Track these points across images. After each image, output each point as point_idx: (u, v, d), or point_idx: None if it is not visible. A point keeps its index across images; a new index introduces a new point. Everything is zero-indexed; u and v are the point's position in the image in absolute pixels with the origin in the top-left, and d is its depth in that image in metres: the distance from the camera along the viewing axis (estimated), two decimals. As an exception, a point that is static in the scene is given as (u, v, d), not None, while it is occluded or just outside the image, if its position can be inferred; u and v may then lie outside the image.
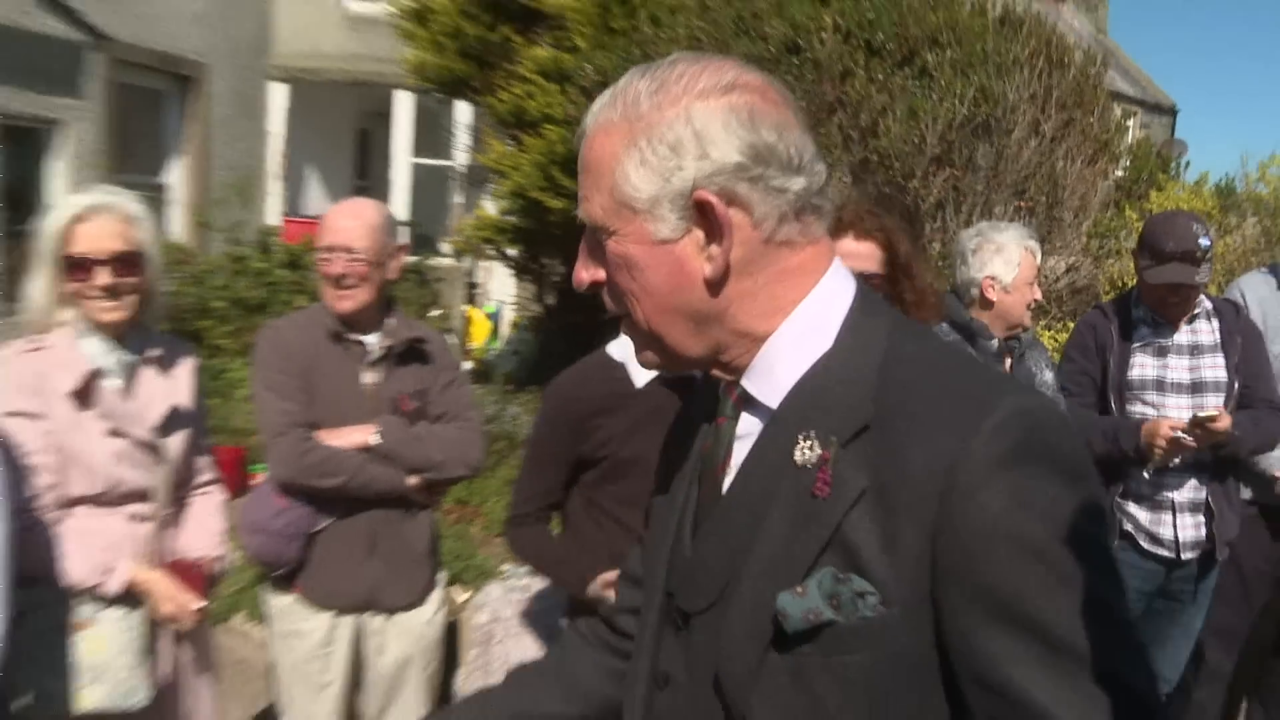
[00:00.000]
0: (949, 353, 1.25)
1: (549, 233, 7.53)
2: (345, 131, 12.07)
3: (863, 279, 1.30)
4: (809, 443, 1.20)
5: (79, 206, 2.65)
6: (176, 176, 10.51)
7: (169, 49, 10.12)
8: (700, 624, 1.29)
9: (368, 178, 13.18)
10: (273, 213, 11.47)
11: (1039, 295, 3.22)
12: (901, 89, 5.27)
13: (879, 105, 5.24)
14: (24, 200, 8.56)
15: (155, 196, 9.99)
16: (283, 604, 2.95)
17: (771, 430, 1.25)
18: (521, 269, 9.04)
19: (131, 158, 9.93)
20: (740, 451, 1.27)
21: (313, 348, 2.87)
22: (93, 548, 2.64)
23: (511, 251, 8.53)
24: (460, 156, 10.88)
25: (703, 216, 1.18)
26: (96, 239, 2.63)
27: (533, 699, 1.63)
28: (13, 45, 7.44)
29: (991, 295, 3.15)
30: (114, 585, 2.63)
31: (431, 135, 11.55)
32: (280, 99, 11.65)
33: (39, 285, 2.67)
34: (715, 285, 1.21)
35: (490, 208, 9.31)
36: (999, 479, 1.11)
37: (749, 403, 1.28)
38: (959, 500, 1.12)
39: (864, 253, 2.68)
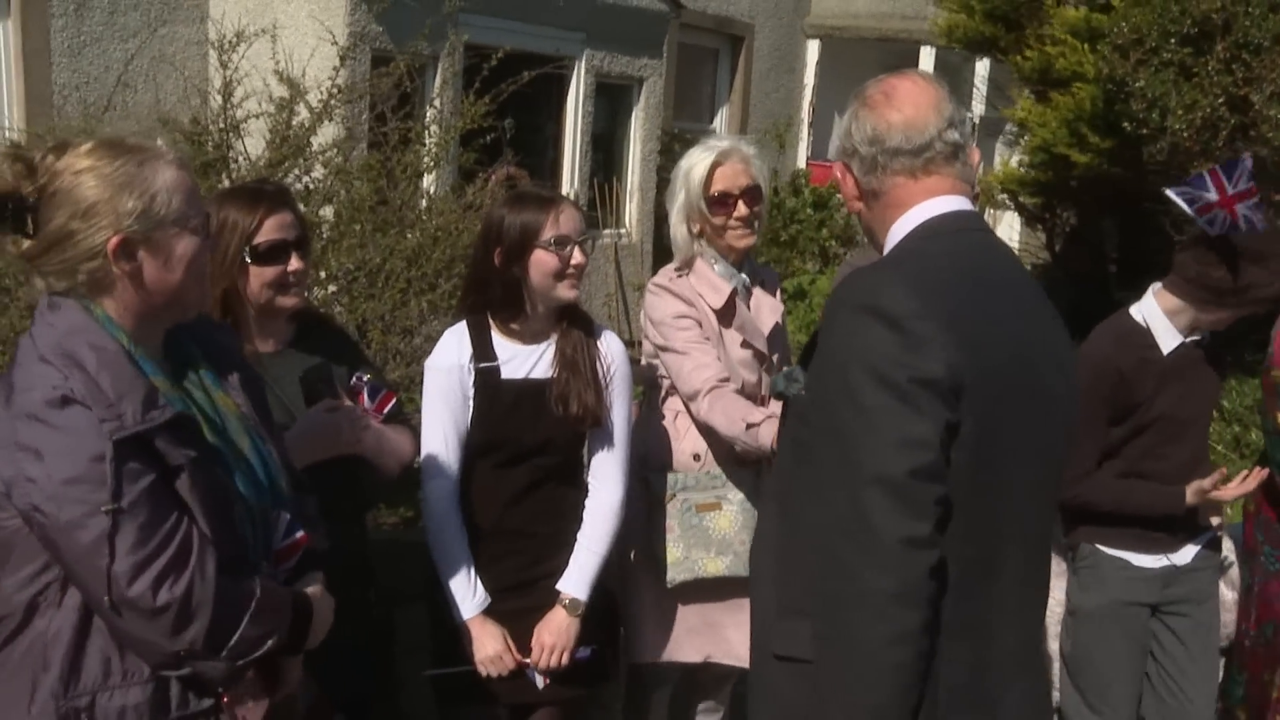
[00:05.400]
0: (917, 243, 1.92)
1: (1068, 186, 7.87)
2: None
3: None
4: None
5: (715, 152, 3.02)
6: (722, 124, 11.97)
7: (726, 13, 11.53)
8: None
9: (884, 126, 13.99)
10: (800, 158, 12.67)
11: None
12: None
13: None
14: (609, 146, 10.25)
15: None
16: None
17: None
18: (1033, 217, 9.42)
19: (687, 107, 11.47)
20: None
21: None
22: (736, 403, 2.96)
23: (1027, 202, 8.95)
24: (978, 108, 11.38)
25: None
26: (733, 177, 3.00)
27: None
28: (614, 18, 9.00)
29: None
30: (766, 436, 2.84)
31: (952, 88, 12.09)
32: (813, 54, 12.78)
33: (680, 227, 3.08)
34: (860, 214, 2.06)
35: (1004, 157, 9.77)
36: (834, 317, 1.86)
37: None
38: (821, 329, 1.90)
39: None
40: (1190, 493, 3.07)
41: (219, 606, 1.71)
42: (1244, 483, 3.10)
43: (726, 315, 3.07)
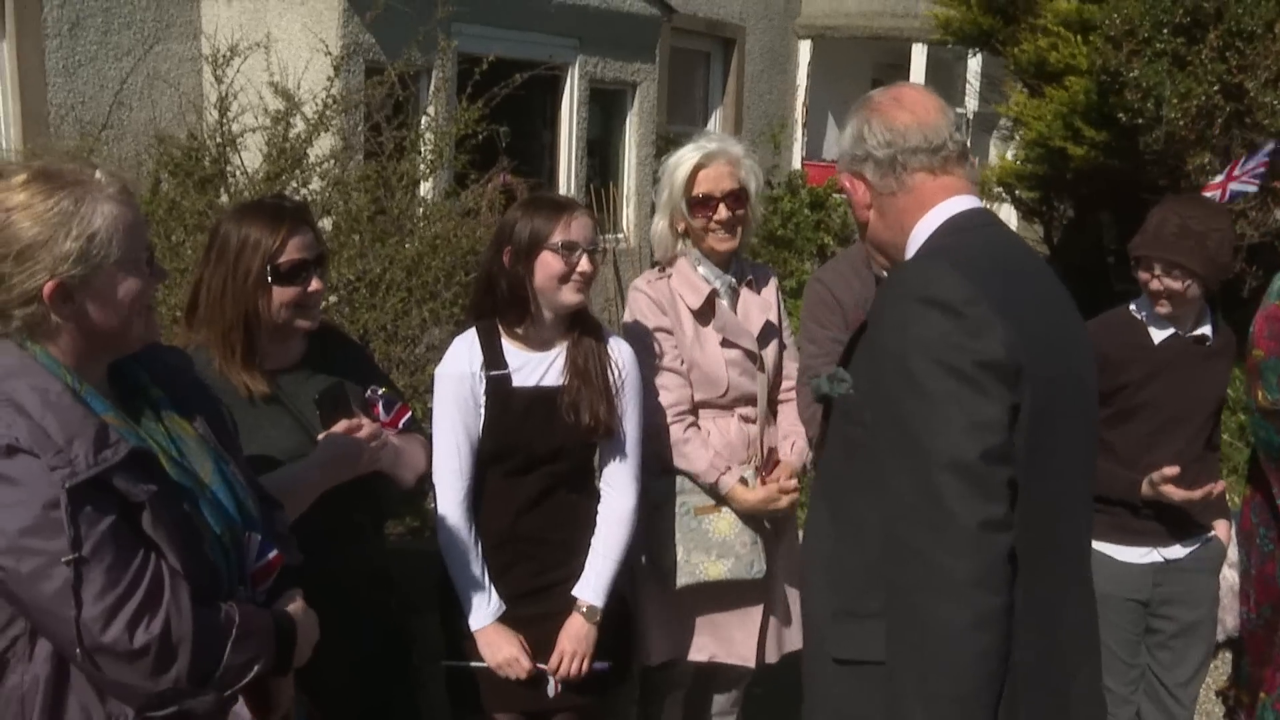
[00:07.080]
0: (946, 239, 1.92)
1: (1064, 179, 7.87)
2: (861, 82, 13.00)
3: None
4: None
5: (701, 153, 3.01)
6: (715, 126, 11.96)
7: (717, 16, 11.54)
8: None
9: (878, 124, 13.98)
10: (795, 158, 12.67)
11: None
12: None
13: None
14: (604, 151, 10.25)
15: (699, 145, 11.43)
16: None
17: None
18: (1030, 211, 9.42)
19: (681, 110, 11.48)
20: None
21: (863, 291, 3.00)
22: (712, 448, 3.02)
23: (1024, 195, 8.95)
24: (971, 104, 11.40)
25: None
26: (716, 180, 2.98)
27: None
28: (606, 24, 9.01)
29: None
30: (725, 486, 2.99)
31: (944, 84, 12.13)
32: (804, 54, 12.79)
33: (663, 223, 3.10)
34: (865, 224, 2.04)
35: (1000, 151, 9.79)
36: (885, 310, 1.85)
37: None
38: (870, 324, 1.90)
39: None
40: (1146, 483, 3.03)
41: (199, 639, 1.66)
42: (1192, 491, 3.00)
43: (705, 315, 3.07)
